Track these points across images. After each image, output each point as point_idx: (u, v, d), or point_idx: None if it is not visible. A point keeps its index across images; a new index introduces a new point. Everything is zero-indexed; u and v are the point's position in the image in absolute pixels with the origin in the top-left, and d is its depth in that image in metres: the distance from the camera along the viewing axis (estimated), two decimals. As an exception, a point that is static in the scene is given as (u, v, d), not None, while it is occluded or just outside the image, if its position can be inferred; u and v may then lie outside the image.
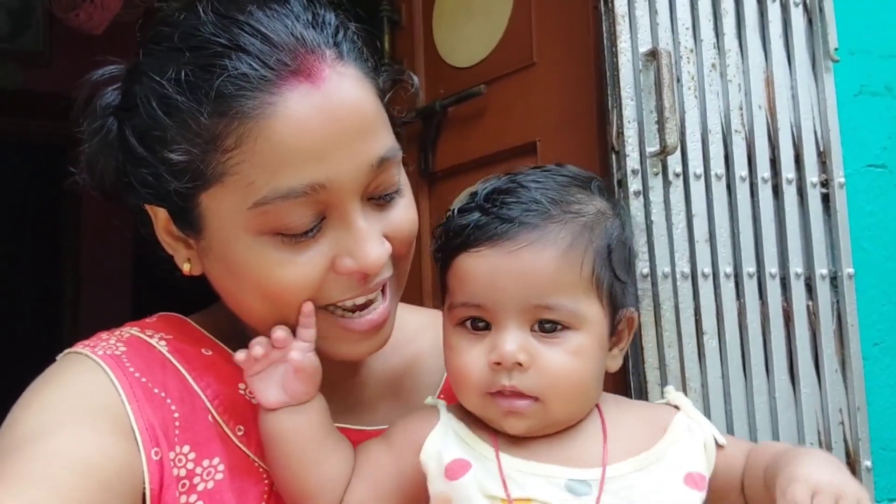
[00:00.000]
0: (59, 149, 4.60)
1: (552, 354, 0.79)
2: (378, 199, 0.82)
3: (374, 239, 0.80)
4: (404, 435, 0.84)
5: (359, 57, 0.82)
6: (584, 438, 0.83)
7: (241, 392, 0.87)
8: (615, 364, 0.88)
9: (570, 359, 0.80)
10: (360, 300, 0.83)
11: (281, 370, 0.82)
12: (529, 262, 0.80)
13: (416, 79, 0.91)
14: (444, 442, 0.81)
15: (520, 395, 0.79)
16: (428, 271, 2.20)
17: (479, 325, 0.82)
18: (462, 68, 2.23)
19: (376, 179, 0.81)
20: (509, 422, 0.80)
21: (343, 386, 0.95)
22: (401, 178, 0.85)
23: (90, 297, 4.57)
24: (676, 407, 0.87)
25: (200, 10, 0.79)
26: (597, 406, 0.86)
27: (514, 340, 0.79)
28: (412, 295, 0.97)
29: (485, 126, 2.15)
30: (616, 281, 0.84)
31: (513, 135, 2.06)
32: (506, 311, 0.80)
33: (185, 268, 0.85)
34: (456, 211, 0.87)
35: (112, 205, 0.88)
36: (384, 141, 0.81)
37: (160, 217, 0.84)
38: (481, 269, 0.81)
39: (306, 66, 0.76)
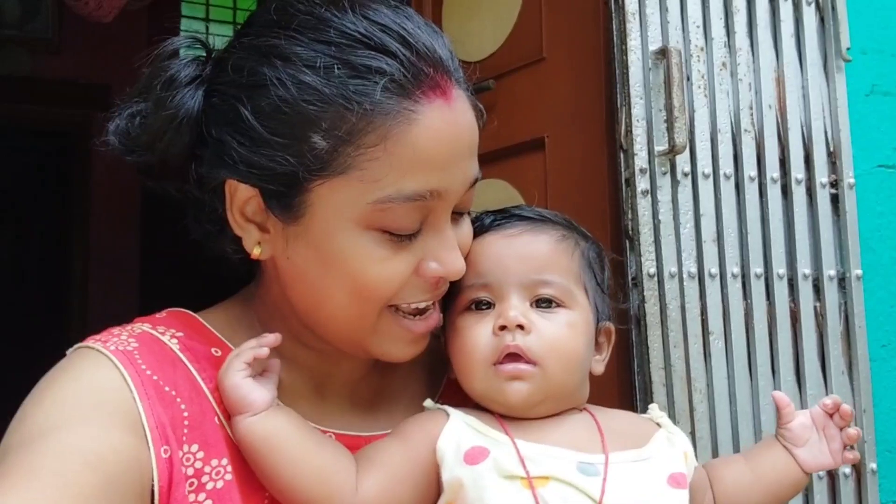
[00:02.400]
0: (68, 136, 4.64)
1: (549, 324, 0.88)
2: (455, 214, 0.88)
3: (457, 248, 0.87)
4: (418, 429, 0.87)
5: (467, 87, 0.88)
6: (583, 430, 0.88)
7: None
8: (599, 368, 0.95)
9: (565, 329, 0.88)
10: (422, 305, 0.88)
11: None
12: (528, 242, 0.91)
13: (484, 113, 0.95)
14: (460, 432, 0.85)
15: (521, 358, 0.86)
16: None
17: (484, 305, 0.89)
18: (471, 62, 2.22)
19: (465, 196, 0.87)
20: (513, 387, 0.86)
21: (351, 388, 0.96)
22: None
23: (98, 286, 4.59)
24: (658, 424, 0.94)
25: (346, 6, 0.83)
26: (585, 409, 0.93)
27: (516, 308, 0.87)
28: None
29: (493, 121, 2.14)
30: (598, 289, 0.94)
31: (521, 130, 2.06)
32: (508, 286, 0.88)
33: (256, 251, 0.86)
34: None
35: (150, 180, 0.89)
36: (477, 163, 0.89)
37: (240, 196, 0.85)
38: (486, 251, 0.91)
39: (442, 83, 0.82)
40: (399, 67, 0.79)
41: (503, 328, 0.86)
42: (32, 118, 4.57)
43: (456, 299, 0.92)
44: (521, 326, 0.86)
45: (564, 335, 0.88)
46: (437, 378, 1.02)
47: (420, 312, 0.88)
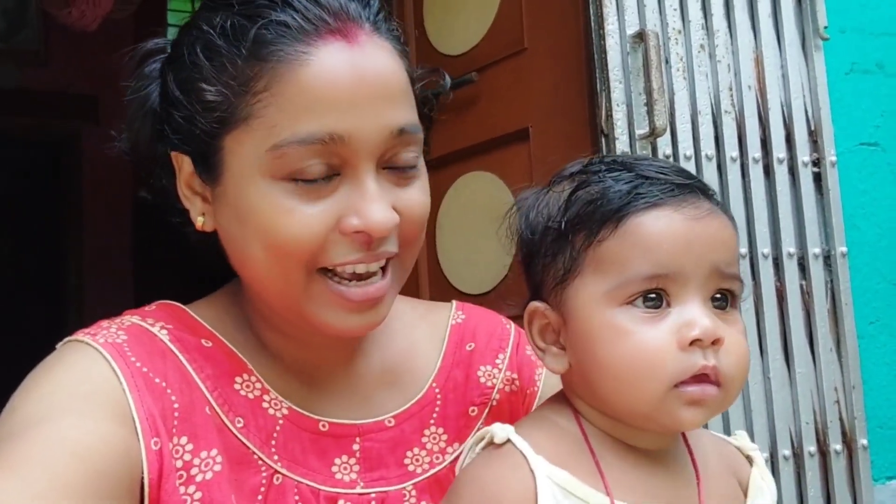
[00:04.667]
0: (57, 146, 4.65)
1: (736, 335, 0.72)
2: (395, 171, 0.84)
3: (381, 201, 0.81)
4: (503, 493, 0.71)
5: (393, 38, 0.86)
6: (682, 479, 0.77)
7: (237, 387, 0.87)
8: None
9: (744, 340, 0.73)
10: (360, 268, 0.83)
11: None
12: (717, 228, 0.73)
13: (447, 78, 0.94)
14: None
15: (708, 378, 0.70)
16: (424, 265, 2.20)
17: (654, 302, 0.71)
18: (453, 56, 2.23)
19: (394, 149, 0.82)
20: (690, 413, 0.70)
21: (340, 377, 0.95)
22: (420, 161, 0.87)
23: (93, 288, 4.59)
24: (748, 457, 0.82)
25: None
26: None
27: (707, 314, 0.70)
28: (409, 287, 0.97)
29: (477, 113, 2.15)
30: None
31: (505, 121, 2.06)
32: (691, 280, 0.71)
33: (199, 221, 0.87)
34: (587, 174, 0.79)
35: (139, 168, 0.92)
36: (407, 115, 0.83)
37: (185, 168, 0.86)
38: (672, 231, 0.72)
39: (343, 27, 0.81)
40: (293, 13, 0.80)
41: (695, 342, 0.69)
42: (22, 130, 4.58)
43: (614, 289, 0.73)
44: (716, 341, 0.70)
45: (745, 348, 0.72)
46: (430, 362, 1.00)
47: (359, 278, 0.83)
